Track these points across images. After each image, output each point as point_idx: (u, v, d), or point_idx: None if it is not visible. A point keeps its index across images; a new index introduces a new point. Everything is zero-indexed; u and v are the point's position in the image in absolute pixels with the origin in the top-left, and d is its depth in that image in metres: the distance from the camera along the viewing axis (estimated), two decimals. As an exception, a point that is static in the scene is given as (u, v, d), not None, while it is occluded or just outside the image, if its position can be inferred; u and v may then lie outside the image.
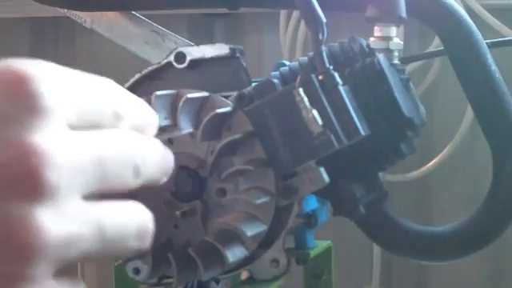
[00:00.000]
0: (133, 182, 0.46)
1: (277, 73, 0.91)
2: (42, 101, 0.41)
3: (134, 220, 0.46)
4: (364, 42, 0.92)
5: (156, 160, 0.48)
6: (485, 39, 1.01)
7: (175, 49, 0.92)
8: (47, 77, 0.43)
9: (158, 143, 0.49)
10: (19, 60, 0.43)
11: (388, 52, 0.95)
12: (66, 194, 0.41)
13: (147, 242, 0.46)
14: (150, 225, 0.46)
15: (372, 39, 0.96)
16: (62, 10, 1.20)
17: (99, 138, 0.44)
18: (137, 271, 0.88)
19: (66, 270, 0.42)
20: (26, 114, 0.41)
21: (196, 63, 0.91)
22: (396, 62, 0.97)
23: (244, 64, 0.92)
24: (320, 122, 0.80)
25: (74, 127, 0.43)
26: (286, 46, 2.12)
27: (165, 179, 0.49)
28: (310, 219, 0.95)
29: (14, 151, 0.40)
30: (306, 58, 0.90)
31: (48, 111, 0.42)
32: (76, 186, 0.41)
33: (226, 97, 0.87)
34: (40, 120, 0.41)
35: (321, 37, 0.82)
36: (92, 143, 0.43)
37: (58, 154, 0.40)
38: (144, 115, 0.49)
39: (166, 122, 0.83)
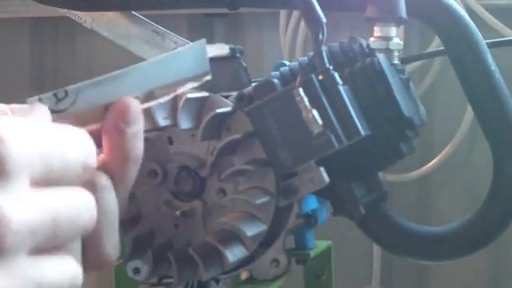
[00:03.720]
0: (79, 237, 0.50)
1: (277, 73, 0.91)
2: (7, 165, 0.43)
3: (68, 274, 0.49)
4: (364, 42, 0.92)
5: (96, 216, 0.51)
6: (485, 39, 1.01)
7: (175, 49, 0.92)
8: (16, 138, 0.44)
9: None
10: None
11: (388, 52, 0.95)
12: (14, 254, 0.44)
13: None
14: (80, 277, 0.50)
15: (372, 39, 0.96)
16: (61, 10, 1.20)
17: (55, 200, 0.46)
18: (137, 271, 0.88)
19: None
20: None
21: (196, 63, 0.91)
22: (396, 61, 0.97)
23: (244, 64, 0.92)
24: (320, 122, 0.80)
25: (38, 183, 0.45)
26: (285, 45, 2.12)
27: None
28: (309, 219, 0.95)
29: None
30: (305, 57, 0.90)
31: (12, 174, 0.44)
32: (25, 246, 0.44)
33: (226, 97, 0.87)
34: (2, 182, 0.43)
35: (321, 37, 0.82)
36: (47, 205, 0.46)
37: (14, 219, 0.43)
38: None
39: (166, 122, 0.83)
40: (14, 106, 0.54)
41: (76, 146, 0.48)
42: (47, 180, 0.46)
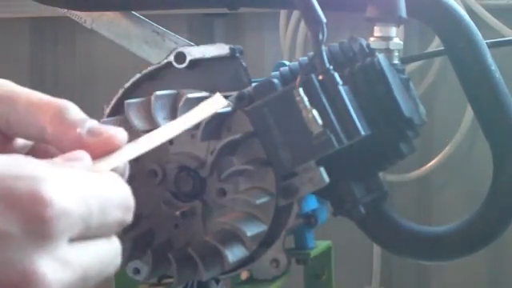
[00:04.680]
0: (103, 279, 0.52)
1: (277, 73, 0.91)
2: (52, 229, 0.45)
3: None
4: (364, 42, 0.92)
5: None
6: (485, 39, 1.01)
7: (175, 49, 0.92)
8: (62, 198, 0.45)
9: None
10: (38, 171, 0.45)
11: (388, 52, 0.95)
12: None
13: None
14: None
15: (372, 39, 0.96)
16: (61, 10, 1.20)
17: (89, 257, 0.48)
18: (137, 271, 0.88)
19: None
20: (34, 239, 0.45)
21: (196, 63, 0.91)
22: (396, 61, 0.97)
23: (244, 64, 0.92)
24: (320, 122, 0.81)
25: (75, 239, 0.47)
26: (285, 45, 2.12)
27: None
28: (309, 219, 0.95)
29: (17, 277, 0.44)
30: (305, 57, 0.90)
31: (54, 236, 0.45)
32: None
33: (226, 97, 0.87)
34: (45, 246, 0.45)
35: (321, 37, 0.82)
36: (82, 263, 0.48)
37: (53, 281, 0.45)
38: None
39: (166, 122, 0.83)
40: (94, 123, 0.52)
41: (117, 202, 0.49)
42: (84, 236, 0.47)
